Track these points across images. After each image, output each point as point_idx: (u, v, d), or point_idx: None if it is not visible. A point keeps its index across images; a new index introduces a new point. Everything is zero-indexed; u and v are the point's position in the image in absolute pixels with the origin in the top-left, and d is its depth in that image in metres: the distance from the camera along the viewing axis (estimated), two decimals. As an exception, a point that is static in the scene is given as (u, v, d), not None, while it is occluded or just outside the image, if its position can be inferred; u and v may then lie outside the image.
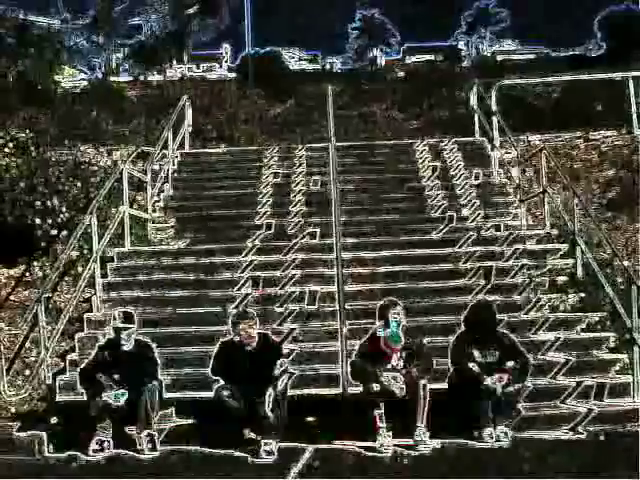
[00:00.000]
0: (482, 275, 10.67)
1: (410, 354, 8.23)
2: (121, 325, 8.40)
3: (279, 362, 8.20)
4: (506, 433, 7.97)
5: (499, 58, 33.86)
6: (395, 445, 7.88)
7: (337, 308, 9.12)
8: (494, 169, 13.99)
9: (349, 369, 8.38)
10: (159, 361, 8.52)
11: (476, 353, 8.26)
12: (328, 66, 39.78)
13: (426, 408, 7.95)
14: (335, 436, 8.10)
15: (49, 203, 11.92)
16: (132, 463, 7.75)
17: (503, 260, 11.07)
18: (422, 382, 8.00)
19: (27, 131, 13.48)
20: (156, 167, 13.59)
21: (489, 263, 10.92)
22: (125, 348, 8.36)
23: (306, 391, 8.67)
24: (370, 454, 7.75)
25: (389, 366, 8.13)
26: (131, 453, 7.96)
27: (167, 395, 8.56)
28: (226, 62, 54.98)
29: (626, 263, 9.87)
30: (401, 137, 16.80)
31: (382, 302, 8.51)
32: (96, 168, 13.75)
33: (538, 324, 9.79)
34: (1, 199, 11.88)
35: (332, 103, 14.89)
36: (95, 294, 10.64)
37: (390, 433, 7.96)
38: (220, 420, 8.07)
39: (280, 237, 11.99)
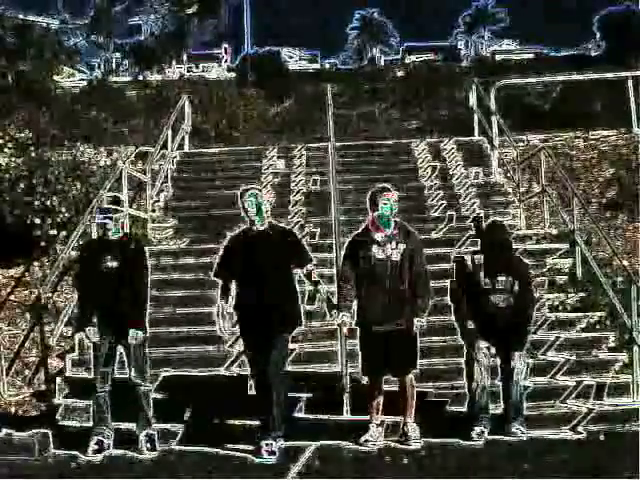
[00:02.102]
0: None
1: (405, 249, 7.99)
2: (107, 206, 8.11)
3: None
4: (522, 430, 7.95)
5: (498, 58, 33.87)
6: (385, 441, 7.89)
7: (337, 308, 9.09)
8: (493, 169, 13.98)
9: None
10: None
11: (484, 279, 8.13)
12: (327, 66, 39.80)
13: (414, 402, 7.94)
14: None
15: (49, 203, 11.92)
16: (132, 463, 7.75)
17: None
18: (409, 377, 7.93)
19: (27, 131, 13.47)
20: (156, 167, 13.58)
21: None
22: (113, 236, 8.04)
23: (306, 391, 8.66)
24: (370, 454, 7.75)
25: (380, 253, 7.96)
26: (131, 453, 7.94)
27: (167, 395, 8.57)
28: (225, 62, 54.98)
29: (626, 263, 9.87)
30: (401, 137, 16.80)
31: (373, 189, 8.17)
32: (96, 168, 13.73)
33: (538, 324, 9.77)
34: (1, 199, 11.89)
35: (331, 103, 14.88)
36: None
37: (380, 429, 7.96)
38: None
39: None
